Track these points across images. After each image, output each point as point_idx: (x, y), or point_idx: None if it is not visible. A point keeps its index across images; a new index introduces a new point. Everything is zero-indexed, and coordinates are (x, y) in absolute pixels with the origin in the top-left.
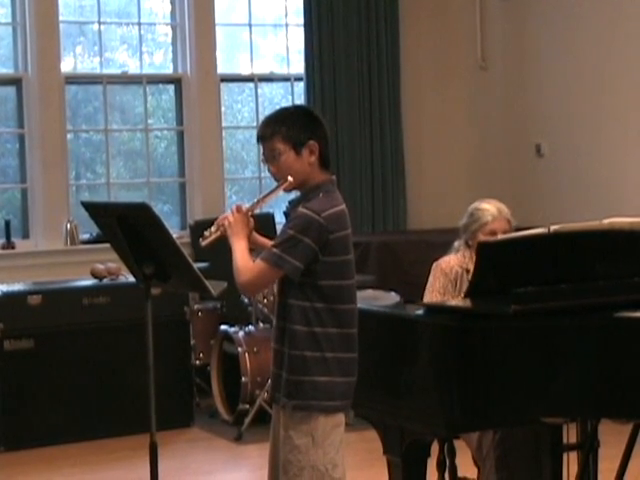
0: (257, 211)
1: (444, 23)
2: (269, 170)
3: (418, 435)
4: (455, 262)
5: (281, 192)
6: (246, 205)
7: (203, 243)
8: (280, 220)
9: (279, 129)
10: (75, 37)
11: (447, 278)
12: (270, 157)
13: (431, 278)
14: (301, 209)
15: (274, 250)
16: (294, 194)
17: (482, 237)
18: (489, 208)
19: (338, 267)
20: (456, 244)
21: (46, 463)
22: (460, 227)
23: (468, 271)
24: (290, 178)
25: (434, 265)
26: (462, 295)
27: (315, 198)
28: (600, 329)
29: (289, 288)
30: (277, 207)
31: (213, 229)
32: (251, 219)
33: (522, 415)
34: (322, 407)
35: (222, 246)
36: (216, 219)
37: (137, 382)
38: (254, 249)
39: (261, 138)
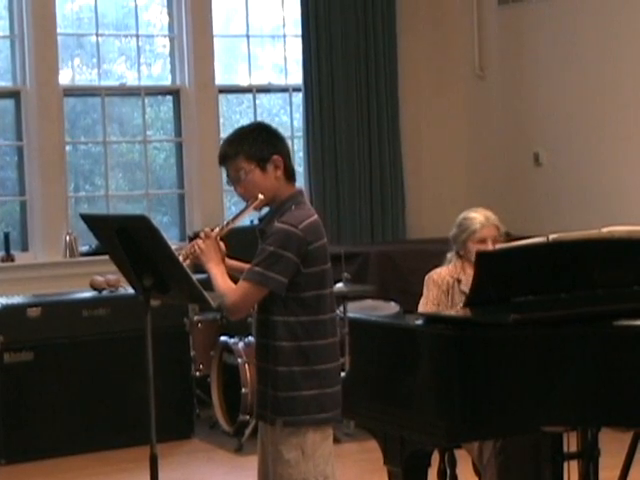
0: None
1: (441, 33)
2: (236, 191)
3: (418, 445)
4: (446, 273)
5: (252, 211)
6: (215, 230)
7: None
8: None
9: (241, 148)
10: (73, 49)
11: (440, 289)
12: (235, 178)
13: (425, 290)
14: (277, 224)
15: (256, 269)
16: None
17: (473, 246)
18: (476, 216)
19: (318, 277)
20: (449, 255)
21: (47, 476)
22: (450, 238)
23: (459, 281)
24: (260, 196)
25: (426, 278)
26: (456, 305)
27: (288, 212)
28: (600, 338)
29: (271, 305)
30: None
31: (181, 259)
32: (221, 243)
33: (522, 424)
34: (313, 420)
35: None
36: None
37: (137, 394)
38: (230, 274)
39: (224, 159)
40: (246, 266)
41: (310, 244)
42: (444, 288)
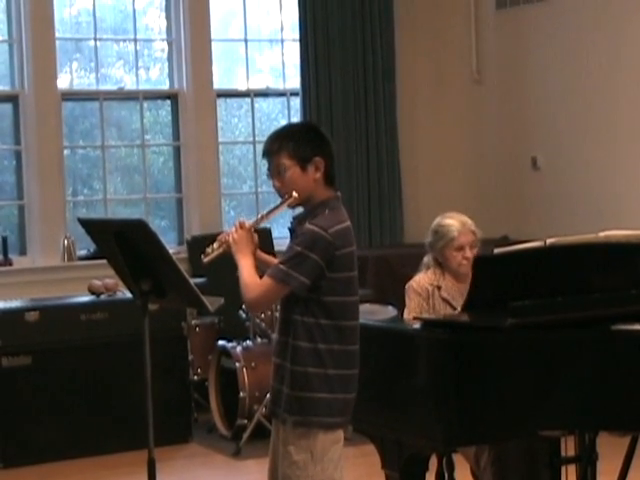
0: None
1: (439, 37)
2: (274, 185)
3: (416, 449)
4: (425, 281)
5: (285, 208)
6: (249, 221)
7: (205, 260)
8: (278, 235)
9: (286, 145)
10: (71, 53)
11: (420, 297)
12: (275, 172)
13: (407, 300)
14: (308, 225)
15: (281, 266)
16: (297, 210)
17: (451, 253)
18: (452, 223)
19: (343, 283)
20: (425, 260)
21: None
22: (426, 245)
23: (439, 288)
24: (295, 194)
25: (406, 287)
26: (438, 312)
27: (321, 214)
28: (597, 342)
29: (294, 304)
30: (275, 222)
31: (215, 245)
32: (255, 235)
33: (520, 428)
34: (322, 423)
35: (219, 262)
36: (215, 235)
37: (135, 398)
38: (259, 266)
39: (267, 153)
40: (275, 261)
41: (338, 249)
42: (424, 296)
